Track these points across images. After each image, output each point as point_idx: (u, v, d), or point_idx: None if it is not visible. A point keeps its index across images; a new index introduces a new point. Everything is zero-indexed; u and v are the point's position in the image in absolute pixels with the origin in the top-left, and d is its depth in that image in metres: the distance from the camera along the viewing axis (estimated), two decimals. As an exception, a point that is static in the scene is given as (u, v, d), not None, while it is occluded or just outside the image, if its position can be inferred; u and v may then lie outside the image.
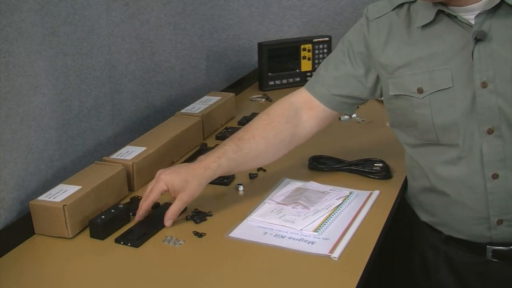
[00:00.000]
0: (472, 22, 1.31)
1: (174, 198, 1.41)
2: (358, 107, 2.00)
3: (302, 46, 2.37)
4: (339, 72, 1.50)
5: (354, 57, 1.47)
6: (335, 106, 1.52)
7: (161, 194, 1.41)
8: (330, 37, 2.40)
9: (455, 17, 1.33)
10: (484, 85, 1.30)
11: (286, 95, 1.57)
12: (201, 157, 1.46)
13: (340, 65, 1.50)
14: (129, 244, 1.33)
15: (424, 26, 1.37)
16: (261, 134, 1.49)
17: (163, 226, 1.40)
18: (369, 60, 1.46)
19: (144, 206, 1.41)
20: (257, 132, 1.49)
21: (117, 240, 1.35)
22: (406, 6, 1.41)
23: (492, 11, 1.30)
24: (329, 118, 1.55)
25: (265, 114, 1.54)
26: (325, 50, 2.39)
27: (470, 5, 1.32)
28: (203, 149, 1.76)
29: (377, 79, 1.47)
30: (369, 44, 1.44)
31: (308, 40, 2.39)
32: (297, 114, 1.53)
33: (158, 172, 1.43)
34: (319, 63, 2.37)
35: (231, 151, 1.45)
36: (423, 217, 1.49)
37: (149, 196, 1.40)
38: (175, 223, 1.41)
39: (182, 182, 1.39)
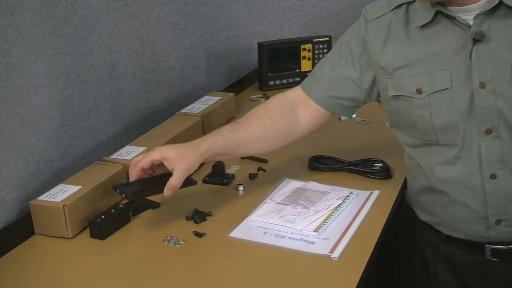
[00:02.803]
0: (471, 22, 1.31)
1: (171, 170, 1.37)
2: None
3: (302, 46, 2.37)
4: (335, 73, 1.49)
5: (351, 58, 1.47)
6: (331, 107, 1.52)
7: (152, 163, 1.38)
8: (330, 37, 2.40)
9: (454, 17, 1.33)
10: (482, 85, 1.30)
11: (283, 92, 1.58)
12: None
13: (336, 66, 1.50)
14: (124, 195, 1.33)
15: (423, 27, 1.37)
16: (258, 121, 1.50)
17: (161, 191, 1.37)
18: (367, 61, 1.45)
19: (134, 172, 1.38)
20: (254, 118, 1.51)
21: (114, 187, 1.35)
22: (404, 6, 1.41)
23: (491, 12, 1.30)
24: (324, 118, 1.55)
25: (262, 105, 1.56)
26: (325, 50, 2.38)
27: (469, 6, 1.32)
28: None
29: (374, 81, 1.47)
30: (367, 45, 1.44)
31: (308, 40, 2.39)
32: (293, 108, 1.53)
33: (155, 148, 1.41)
34: (319, 63, 2.38)
35: (227, 131, 1.46)
36: (423, 216, 1.50)
37: (139, 162, 1.38)
38: (175, 223, 1.41)
39: (177, 152, 1.38)
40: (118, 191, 1.34)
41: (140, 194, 1.35)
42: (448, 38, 1.34)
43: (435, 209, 1.45)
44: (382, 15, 1.43)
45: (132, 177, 1.39)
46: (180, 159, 1.37)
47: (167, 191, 1.36)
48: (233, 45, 2.44)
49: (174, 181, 1.35)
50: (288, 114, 1.53)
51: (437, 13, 1.34)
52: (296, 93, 1.56)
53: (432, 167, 1.40)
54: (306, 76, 2.34)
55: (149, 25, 1.94)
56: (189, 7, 2.14)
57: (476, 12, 1.31)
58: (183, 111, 1.92)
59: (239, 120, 1.52)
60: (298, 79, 2.38)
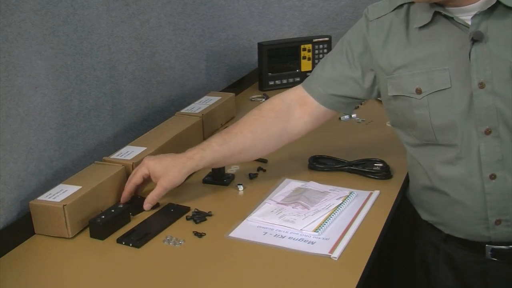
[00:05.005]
0: (469, 23, 1.31)
1: (155, 183, 1.47)
2: (357, 107, 2.02)
3: (302, 46, 2.37)
4: (335, 72, 1.50)
5: (352, 57, 1.48)
6: (331, 105, 1.53)
7: (143, 178, 1.47)
8: (330, 37, 2.40)
9: (452, 18, 1.33)
10: (481, 85, 1.30)
11: (280, 92, 1.60)
12: (188, 149, 1.51)
13: (337, 65, 1.50)
14: (131, 244, 1.33)
15: (422, 27, 1.37)
16: (248, 128, 1.52)
17: (164, 226, 1.40)
18: (367, 60, 1.46)
19: (127, 188, 1.48)
20: (245, 126, 1.53)
21: (119, 240, 1.35)
22: (405, 6, 1.41)
23: (489, 12, 1.30)
24: (325, 116, 1.55)
25: (256, 109, 1.57)
26: (325, 50, 2.38)
27: (467, 6, 1.32)
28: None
29: (374, 80, 1.47)
30: (368, 44, 1.45)
31: (308, 40, 2.39)
32: (288, 110, 1.54)
33: (144, 158, 1.50)
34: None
35: (216, 144, 1.50)
36: (424, 215, 1.50)
37: (131, 179, 1.48)
38: (175, 223, 1.42)
39: (162, 168, 1.46)
40: (123, 243, 1.34)
41: (146, 238, 1.36)
42: (447, 39, 1.34)
43: (436, 208, 1.45)
44: (383, 15, 1.43)
45: (126, 193, 1.48)
46: (164, 177, 1.46)
47: (146, 204, 1.46)
48: (233, 45, 2.44)
49: (154, 196, 1.46)
50: (282, 117, 1.54)
51: (436, 13, 1.34)
52: (295, 93, 1.56)
53: (432, 167, 1.40)
54: (306, 76, 2.37)
55: (149, 25, 1.94)
56: (189, 7, 2.14)
57: (474, 12, 1.31)
58: (183, 111, 1.92)
59: (230, 128, 1.54)
60: (298, 79, 2.38)
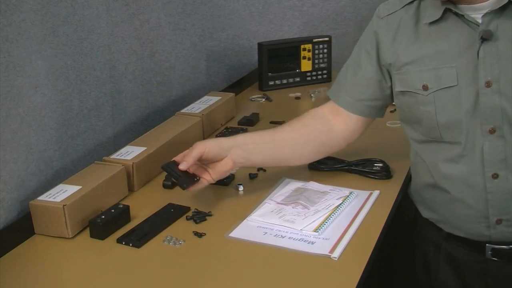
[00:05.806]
0: (479, 21, 1.31)
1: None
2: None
3: (302, 46, 2.37)
4: (357, 77, 1.51)
5: (369, 59, 1.48)
6: (362, 112, 1.52)
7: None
8: (330, 37, 2.40)
9: (462, 16, 1.33)
10: (488, 84, 1.30)
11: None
12: None
13: (357, 70, 1.51)
14: (131, 244, 1.33)
15: (432, 24, 1.37)
16: (287, 124, 1.59)
17: (164, 226, 1.40)
18: (380, 58, 1.46)
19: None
20: (283, 125, 1.60)
21: (119, 240, 1.35)
22: (416, 3, 1.42)
23: (500, 11, 1.30)
24: (360, 125, 1.55)
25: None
26: (325, 50, 2.39)
27: (478, 4, 1.32)
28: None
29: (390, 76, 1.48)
30: (379, 41, 1.45)
31: (308, 40, 2.39)
32: (324, 117, 1.56)
33: None
34: (319, 63, 2.39)
35: (254, 131, 1.59)
36: (425, 213, 1.50)
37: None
38: (175, 223, 1.42)
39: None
40: (123, 243, 1.35)
41: (146, 238, 1.36)
42: (456, 36, 1.34)
43: (437, 206, 1.45)
44: (393, 12, 1.44)
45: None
46: (200, 142, 1.50)
47: (183, 163, 1.44)
48: (233, 45, 2.44)
49: (191, 153, 1.45)
50: (319, 120, 1.56)
51: (446, 10, 1.34)
52: (325, 106, 1.58)
53: (436, 164, 1.40)
54: (306, 76, 2.39)
55: (149, 25, 1.94)
56: (189, 7, 2.14)
57: (485, 11, 1.31)
58: (183, 111, 1.92)
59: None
60: (298, 79, 2.39)
